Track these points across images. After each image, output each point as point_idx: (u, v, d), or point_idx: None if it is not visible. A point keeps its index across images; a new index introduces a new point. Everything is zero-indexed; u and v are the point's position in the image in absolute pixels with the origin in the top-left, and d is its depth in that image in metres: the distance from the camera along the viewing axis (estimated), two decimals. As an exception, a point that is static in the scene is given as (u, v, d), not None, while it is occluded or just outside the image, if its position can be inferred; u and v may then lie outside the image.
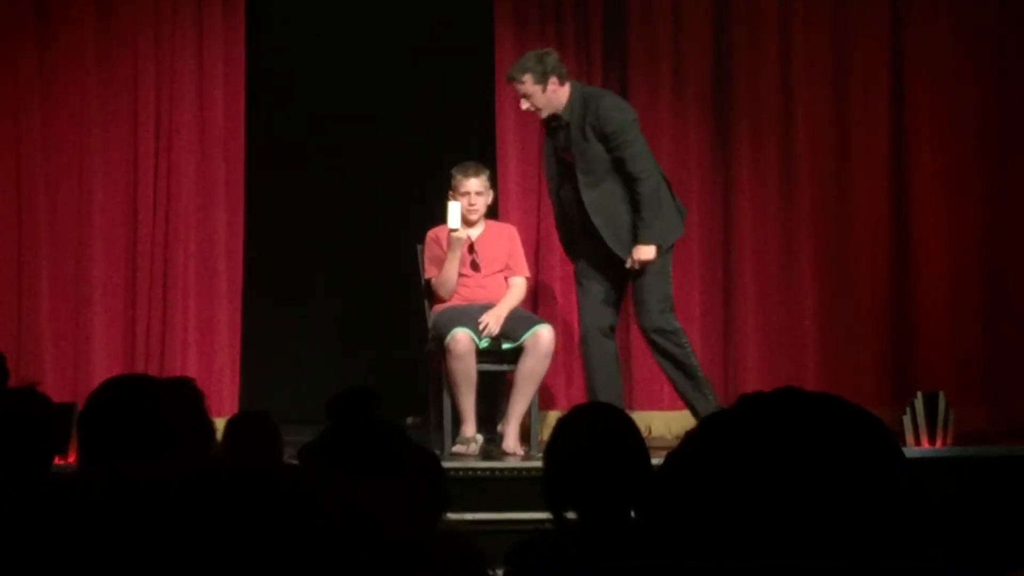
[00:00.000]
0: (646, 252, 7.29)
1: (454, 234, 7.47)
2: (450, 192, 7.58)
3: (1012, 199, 8.43)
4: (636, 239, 7.31)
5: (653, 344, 7.44)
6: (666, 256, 7.40)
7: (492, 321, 7.40)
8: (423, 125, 8.76)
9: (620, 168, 7.31)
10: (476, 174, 7.59)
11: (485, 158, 7.97)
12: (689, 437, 1.42)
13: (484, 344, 7.36)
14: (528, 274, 7.76)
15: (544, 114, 7.40)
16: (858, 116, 8.46)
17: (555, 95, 7.36)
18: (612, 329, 7.55)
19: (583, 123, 7.33)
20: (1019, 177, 8.44)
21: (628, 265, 7.31)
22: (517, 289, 7.64)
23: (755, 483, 1.33)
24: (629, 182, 7.32)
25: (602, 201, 7.35)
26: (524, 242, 7.99)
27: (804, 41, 8.46)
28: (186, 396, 3.07)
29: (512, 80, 7.41)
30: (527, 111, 7.45)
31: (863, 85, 8.46)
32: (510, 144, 8.34)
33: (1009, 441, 7.65)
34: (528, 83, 7.34)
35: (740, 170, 8.41)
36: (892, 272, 8.43)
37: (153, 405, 3.00)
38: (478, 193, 7.55)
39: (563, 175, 7.47)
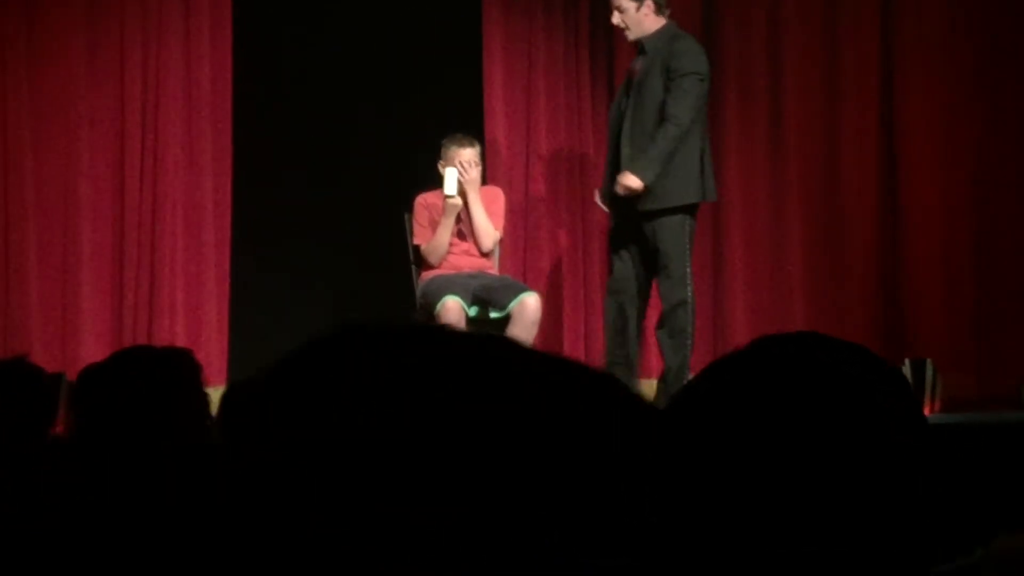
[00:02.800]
0: (631, 180, 7.05)
1: (450, 200, 7.46)
2: (440, 162, 7.58)
3: (1002, 166, 8.43)
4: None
5: (669, 316, 7.24)
6: (685, 224, 7.20)
7: (465, 174, 7.42)
8: (412, 92, 8.75)
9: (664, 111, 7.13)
10: (470, 144, 7.59)
11: (473, 126, 7.97)
12: (700, 377, 1.36)
13: (472, 312, 7.37)
14: (500, 232, 7.72)
15: (631, 36, 7.24)
16: (847, 85, 8.46)
17: (646, 20, 7.20)
18: (637, 296, 7.35)
19: (659, 58, 7.16)
20: (1009, 143, 8.45)
21: (617, 189, 7.12)
22: (490, 234, 7.62)
23: (767, 430, 1.29)
24: (662, 121, 7.11)
25: (640, 134, 7.14)
26: (512, 211, 7.99)
27: (794, 11, 8.45)
28: (184, 368, 3.07)
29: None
30: (616, 26, 7.28)
31: (853, 53, 8.46)
32: (499, 113, 8.34)
33: (996, 408, 7.68)
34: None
35: (728, 138, 8.40)
36: (881, 240, 8.44)
37: (151, 377, 3.00)
38: (471, 164, 7.56)
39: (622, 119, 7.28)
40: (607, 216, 7.48)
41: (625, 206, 7.16)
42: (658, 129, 7.08)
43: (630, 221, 7.19)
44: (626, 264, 7.27)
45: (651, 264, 7.20)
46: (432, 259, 7.59)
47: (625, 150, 7.14)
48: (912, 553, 1.27)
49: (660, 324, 7.29)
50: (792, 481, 1.26)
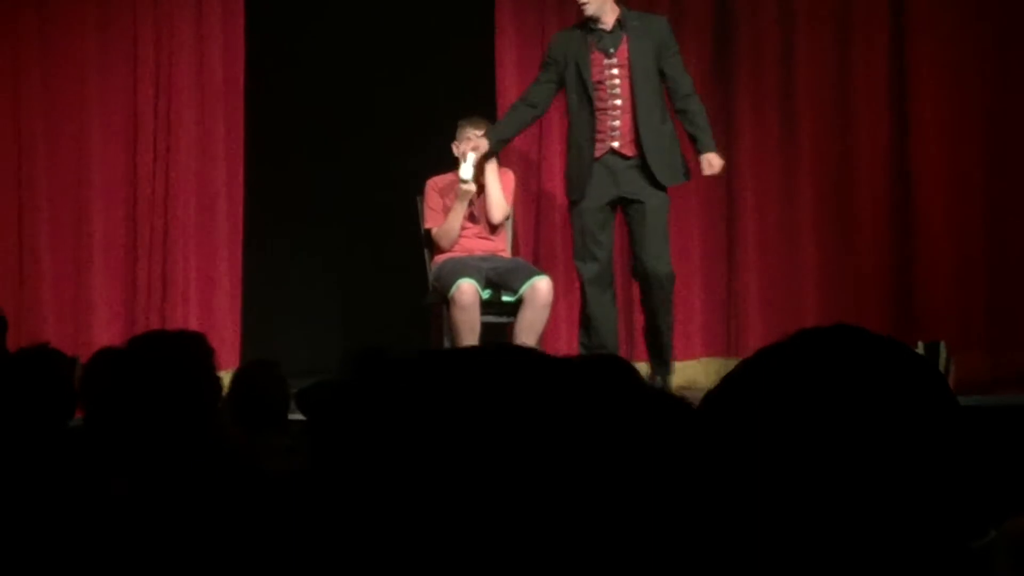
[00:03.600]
0: (719, 160, 7.30)
1: (464, 186, 7.45)
2: (455, 143, 7.57)
3: (1014, 147, 8.42)
4: (699, 150, 7.27)
5: (656, 289, 7.30)
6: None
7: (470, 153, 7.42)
8: (423, 78, 8.74)
9: (669, 87, 7.27)
10: (485, 125, 7.58)
11: (486, 108, 7.96)
12: (742, 368, 1.39)
13: (486, 295, 7.37)
14: (511, 207, 7.73)
15: (589, 9, 7.25)
16: (859, 63, 8.44)
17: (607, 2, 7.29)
18: (612, 283, 7.48)
19: (643, 35, 7.25)
20: (1020, 127, 8.42)
21: (707, 172, 7.26)
22: (502, 207, 7.63)
23: (811, 423, 1.31)
24: (685, 97, 7.27)
25: (648, 113, 7.23)
26: (524, 193, 8.00)
27: (805, 6, 8.43)
28: (197, 351, 3.08)
29: None
30: (581, 4, 7.26)
31: (864, 45, 8.43)
32: (512, 94, 8.31)
33: (1009, 390, 7.68)
34: None
35: (740, 123, 8.39)
36: (893, 221, 8.42)
37: (164, 360, 3.01)
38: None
39: (582, 103, 7.29)
40: (568, 204, 7.47)
41: (607, 187, 7.23)
42: (687, 104, 7.25)
43: (607, 204, 7.27)
44: (605, 251, 7.35)
45: (641, 247, 7.25)
46: (444, 243, 7.59)
47: (644, 130, 7.19)
48: (950, 537, 1.29)
49: (659, 304, 7.32)
50: (834, 471, 1.28)
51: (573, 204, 7.37)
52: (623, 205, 7.32)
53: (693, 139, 7.32)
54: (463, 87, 8.47)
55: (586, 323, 7.43)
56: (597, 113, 7.25)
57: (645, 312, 7.42)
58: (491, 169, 7.56)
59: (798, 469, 1.29)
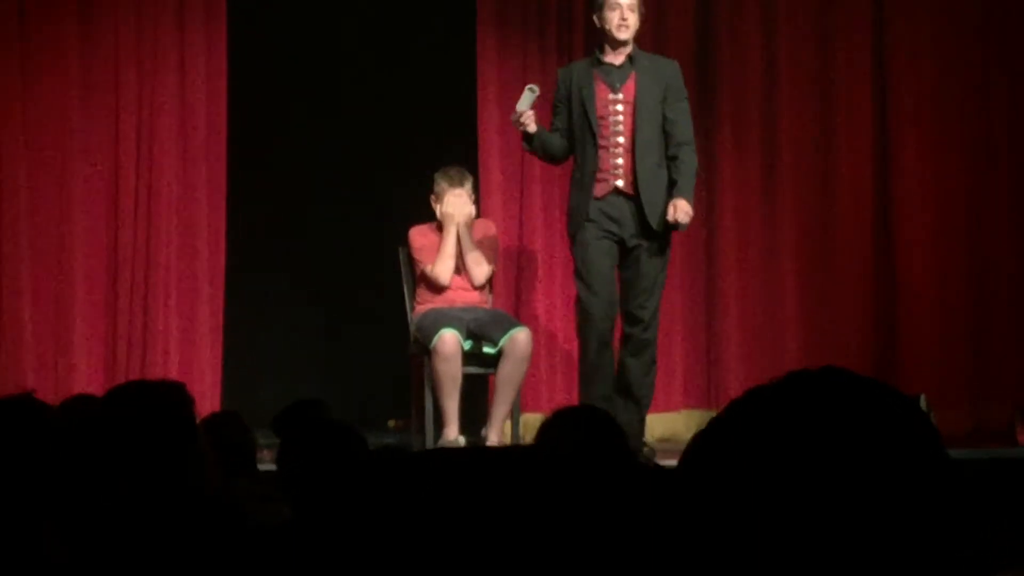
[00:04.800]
0: (689, 209, 7.01)
1: (521, 114, 7.17)
2: (432, 196, 7.58)
3: (997, 198, 8.45)
4: (672, 194, 7.02)
5: (644, 342, 7.13)
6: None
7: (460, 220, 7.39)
8: (404, 129, 8.76)
9: (667, 130, 7.07)
10: (461, 183, 7.58)
11: (467, 161, 7.97)
12: (729, 412, 1.38)
13: (467, 346, 7.36)
14: (493, 266, 7.69)
15: (626, 34, 7.13)
16: (841, 113, 8.48)
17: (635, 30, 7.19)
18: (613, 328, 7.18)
19: (653, 77, 7.11)
20: (1002, 175, 8.47)
21: (671, 217, 6.98)
22: (483, 267, 7.59)
23: (800, 468, 1.31)
24: (679, 145, 7.06)
25: (649, 154, 7.05)
26: (505, 245, 8.00)
27: (788, 38, 8.47)
28: (176, 401, 3.07)
29: None
30: (620, 24, 7.11)
31: (847, 86, 8.48)
32: (493, 147, 8.33)
33: (989, 443, 7.68)
34: (639, 1, 7.18)
35: (723, 167, 8.41)
36: (876, 273, 8.44)
37: (142, 411, 2.99)
38: (466, 201, 7.57)
39: (585, 137, 7.11)
40: (574, 242, 7.16)
41: (608, 224, 7.04)
42: (679, 151, 7.04)
43: (612, 246, 7.07)
44: (610, 293, 7.08)
45: (629, 290, 7.08)
46: (443, 276, 7.52)
47: (640, 169, 7.01)
48: None
49: (635, 352, 7.12)
50: (824, 519, 1.28)
51: (576, 238, 7.13)
52: (621, 247, 7.10)
53: (671, 183, 7.08)
54: (445, 139, 8.47)
55: (586, 373, 7.14)
56: (600, 150, 7.07)
57: (624, 361, 7.16)
58: (465, 231, 7.54)
59: (786, 512, 1.28)
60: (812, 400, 1.35)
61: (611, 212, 7.07)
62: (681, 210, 6.99)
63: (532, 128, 7.15)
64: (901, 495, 1.29)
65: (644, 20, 7.30)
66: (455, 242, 7.53)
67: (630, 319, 7.12)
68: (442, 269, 7.54)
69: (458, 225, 7.53)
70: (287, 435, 3.70)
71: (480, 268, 7.59)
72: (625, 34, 7.12)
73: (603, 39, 7.21)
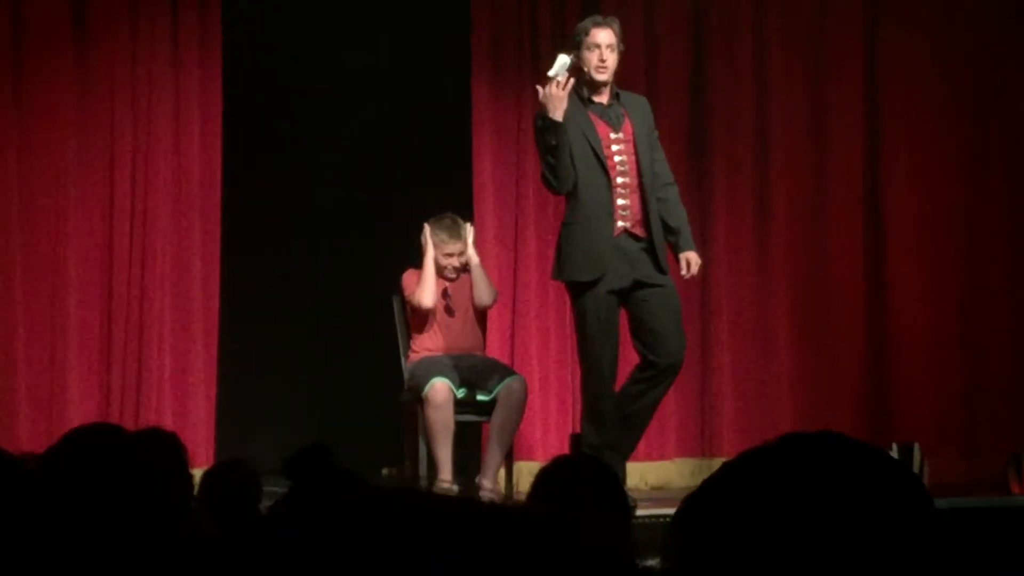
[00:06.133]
0: (699, 261, 6.83)
1: (551, 75, 6.55)
2: (423, 239, 7.57)
3: (990, 250, 8.47)
4: (679, 247, 6.76)
5: (668, 379, 6.79)
6: None
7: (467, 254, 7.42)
8: (400, 175, 8.77)
9: (655, 170, 6.76)
10: (456, 236, 7.57)
11: (462, 203, 7.99)
12: (724, 472, 1.38)
13: (461, 394, 7.35)
14: (497, 292, 7.69)
15: (605, 75, 6.71)
16: (835, 167, 8.50)
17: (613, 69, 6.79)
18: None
19: (638, 115, 6.80)
20: (994, 221, 8.49)
21: (686, 274, 6.77)
22: (491, 290, 7.62)
23: (795, 529, 1.31)
24: (665, 187, 6.79)
25: (655, 210, 6.71)
26: (500, 292, 8.00)
27: (780, 79, 8.50)
28: (165, 449, 3.06)
29: (611, 25, 6.78)
30: (599, 66, 6.66)
31: (839, 138, 8.51)
32: (488, 191, 8.35)
33: (983, 492, 7.67)
34: (618, 39, 6.79)
35: (716, 218, 8.43)
36: (868, 324, 8.45)
37: (128, 459, 2.99)
38: (460, 254, 7.57)
39: (595, 178, 6.70)
40: (584, 291, 6.68)
41: (625, 269, 6.64)
42: (667, 193, 6.78)
43: (621, 288, 6.68)
44: (615, 345, 6.72)
45: (647, 331, 6.69)
46: (426, 300, 7.42)
47: (651, 211, 6.69)
48: None
49: (658, 392, 6.78)
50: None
51: (587, 286, 6.64)
52: (632, 290, 6.70)
53: (671, 231, 6.77)
54: (440, 181, 8.48)
55: (599, 419, 6.68)
56: (609, 191, 6.70)
57: (636, 402, 6.74)
58: (473, 252, 7.56)
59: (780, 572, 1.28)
60: (806, 466, 1.35)
61: (626, 250, 6.68)
62: (695, 264, 6.80)
63: (563, 101, 6.54)
64: (895, 562, 1.29)
65: (623, 58, 6.89)
66: (433, 266, 7.51)
67: (664, 364, 6.73)
68: (424, 293, 7.50)
69: (469, 256, 7.53)
70: (299, 479, 3.67)
71: (489, 291, 7.58)
72: (604, 75, 6.72)
73: (580, 78, 6.72)
